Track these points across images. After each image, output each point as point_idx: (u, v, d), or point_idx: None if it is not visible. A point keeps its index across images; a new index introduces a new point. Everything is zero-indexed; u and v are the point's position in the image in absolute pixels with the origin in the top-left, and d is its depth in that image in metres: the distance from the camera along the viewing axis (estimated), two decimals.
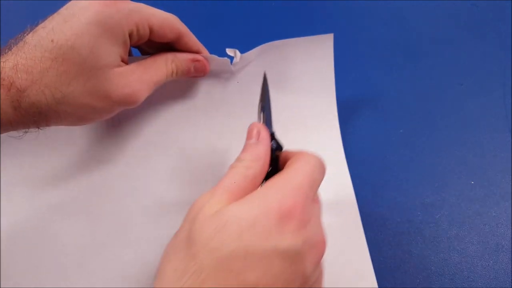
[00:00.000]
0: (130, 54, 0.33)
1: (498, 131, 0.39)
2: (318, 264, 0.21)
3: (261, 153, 0.24)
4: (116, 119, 0.34)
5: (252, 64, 0.36)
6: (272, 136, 0.26)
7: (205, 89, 0.36)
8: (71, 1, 0.26)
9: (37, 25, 0.26)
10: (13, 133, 0.26)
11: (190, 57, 0.31)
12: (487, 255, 0.33)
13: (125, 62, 0.28)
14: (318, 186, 0.23)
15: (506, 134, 0.39)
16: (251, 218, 0.19)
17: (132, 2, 0.27)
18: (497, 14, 0.48)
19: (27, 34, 0.25)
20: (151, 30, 0.28)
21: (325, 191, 0.32)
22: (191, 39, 0.31)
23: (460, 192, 0.36)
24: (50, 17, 0.26)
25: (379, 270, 0.32)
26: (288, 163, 0.24)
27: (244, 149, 0.25)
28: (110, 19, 0.25)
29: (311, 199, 0.22)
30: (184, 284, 0.18)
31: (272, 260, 0.19)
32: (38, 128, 0.26)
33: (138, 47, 0.33)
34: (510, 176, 0.36)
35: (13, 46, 0.25)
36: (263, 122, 0.27)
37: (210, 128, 0.36)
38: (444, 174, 0.37)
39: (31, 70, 0.24)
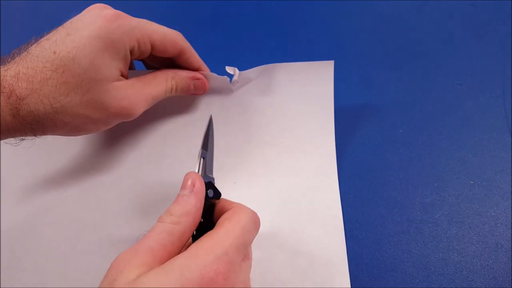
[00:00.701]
0: (132, 67, 0.34)
1: (497, 131, 0.39)
2: None
3: (192, 208, 0.23)
4: (113, 130, 0.35)
5: (252, 83, 0.36)
6: (210, 184, 0.26)
7: (204, 106, 0.36)
8: (76, 16, 0.27)
9: (41, 36, 0.27)
10: (10, 140, 0.26)
11: (190, 75, 0.32)
12: (487, 255, 0.33)
13: (125, 76, 0.29)
14: (249, 244, 0.23)
15: (506, 134, 0.39)
16: None
17: (136, 18, 0.28)
18: (496, 14, 0.48)
19: (31, 45, 0.26)
20: (152, 46, 0.28)
21: (313, 222, 0.33)
22: (193, 55, 0.32)
23: (459, 192, 0.36)
24: (55, 30, 0.26)
25: (379, 270, 0.33)
26: (220, 220, 0.23)
27: (176, 201, 0.24)
28: (112, 35, 0.26)
29: (238, 262, 0.22)
30: None
31: None
32: (35, 136, 0.26)
33: (141, 60, 0.34)
34: (510, 176, 0.36)
35: (17, 56, 0.25)
36: (202, 169, 0.27)
37: None
38: (444, 174, 0.37)
39: (32, 79, 0.24)
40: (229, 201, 0.26)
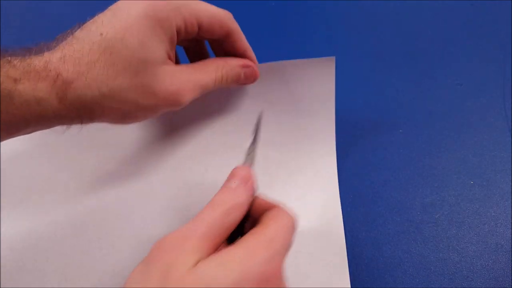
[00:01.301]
0: (177, 60, 0.32)
1: (498, 131, 0.39)
2: None
3: (244, 201, 0.23)
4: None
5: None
6: None
7: (249, 101, 0.35)
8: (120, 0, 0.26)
9: (86, 22, 0.26)
10: (57, 128, 0.25)
11: (240, 63, 0.30)
12: (487, 255, 0.33)
13: (172, 60, 0.27)
14: (291, 247, 0.23)
15: (506, 134, 0.39)
16: (232, 283, 0.19)
17: None
18: (497, 14, 0.48)
19: (75, 30, 0.25)
20: (200, 26, 0.27)
21: (313, 221, 0.33)
22: (240, 38, 0.30)
23: (459, 192, 0.36)
24: (100, 14, 0.25)
25: (379, 270, 0.33)
26: (265, 218, 0.23)
27: (227, 190, 0.23)
28: (160, 12, 0.25)
29: (284, 263, 0.22)
30: None
31: None
32: (82, 123, 0.25)
33: (185, 47, 0.32)
34: (510, 176, 0.36)
35: (62, 41, 0.24)
36: (249, 163, 0.27)
37: (199, 144, 0.36)
38: (444, 174, 0.37)
39: (79, 62, 0.23)
40: (265, 200, 0.25)
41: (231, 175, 0.24)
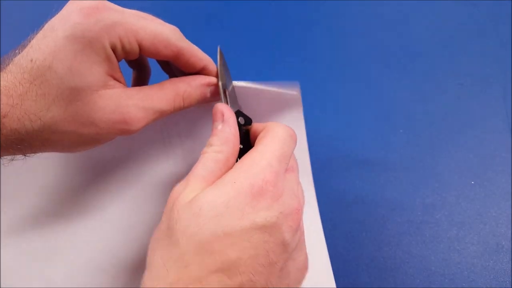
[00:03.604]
0: (141, 79, 0.29)
1: (498, 131, 0.39)
2: (296, 230, 0.22)
3: (229, 135, 0.24)
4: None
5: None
6: (239, 113, 0.26)
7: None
8: (57, 14, 0.24)
9: (29, 39, 0.23)
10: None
11: (204, 82, 0.27)
12: (487, 255, 0.33)
13: (119, 80, 0.24)
14: (290, 156, 0.24)
15: (506, 134, 0.39)
16: (225, 201, 0.20)
17: (121, 10, 0.23)
18: (497, 14, 0.48)
19: (18, 50, 0.23)
20: (140, 46, 0.24)
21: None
22: (194, 55, 0.26)
23: (460, 192, 0.36)
24: (35, 33, 0.23)
25: (379, 271, 0.33)
26: (258, 138, 0.24)
27: (212, 133, 0.24)
28: (89, 32, 0.22)
29: (283, 172, 0.22)
30: (170, 270, 0.19)
31: (251, 235, 0.20)
32: (24, 155, 0.24)
33: (158, 63, 0.29)
34: (510, 176, 0.36)
35: (4, 64, 0.23)
36: (227, 101, 0.27)
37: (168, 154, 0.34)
38: (444, 174, 0.37)
39: (11, 93, 0.21)
40: (261, 123, 0.26)
41: (213, 116, 0.25)
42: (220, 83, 0.27)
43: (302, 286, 0.28)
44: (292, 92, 0.32)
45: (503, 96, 0.41)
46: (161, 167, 0.33)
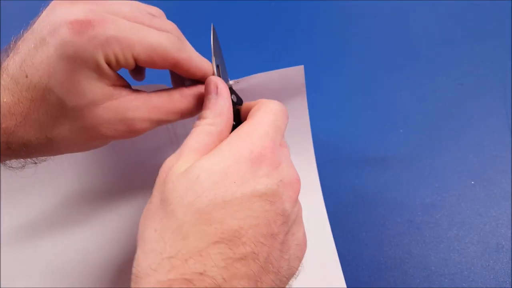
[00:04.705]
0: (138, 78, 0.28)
1: (498, 131, 0.39)
2: (296, 201, 0.21)
3: (223, 108, 0.23)
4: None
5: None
6: (232, 90, 0.26)
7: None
8: (42, 14, 0.23)
9: (15, 40, 0.23)
10: (13, 162, 0.24)
11: (211, 90, 0.26)
12: (487, 255, 0.33)
13: (122, 85, 0.24)
14: (283, 131, 0.24)
15: (506, 134, 0.39)
16: (223, 168, 0.19)
17: (114, 22, 0.22)
18: (497, 14, 0.48)
19: (5, 57, 0.22)
20: (136, 60, 0.23)
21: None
22: (193, 65, 0.25)
23: (460, 192, 0.36)
24: (24, 35, 0.22)
25: (379, 271, 0.32)
26: (250, 113, 0.23)
27: (205, 106, 0.23)
28: (83, 52, 0.21)
29: (278, 144, 0.22)
30: (167, 243, 0.18)
31: (252, 203, 0.19)
32: (36, 163, 0.24)
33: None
34: (510, 176, 0.36)
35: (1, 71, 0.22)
36: (220, 75, 0.27)
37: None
38: (444, 174, 0.37)
39: (13, 111, 0.21)
40: (252, 102, 0.25)
41: (205, 88, 0.24)
42: (213, 58, 0.26)
43: (313, 286, 0.28)
44: (297, 76, 0.32)
45: (503, 96, 0.41)
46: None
